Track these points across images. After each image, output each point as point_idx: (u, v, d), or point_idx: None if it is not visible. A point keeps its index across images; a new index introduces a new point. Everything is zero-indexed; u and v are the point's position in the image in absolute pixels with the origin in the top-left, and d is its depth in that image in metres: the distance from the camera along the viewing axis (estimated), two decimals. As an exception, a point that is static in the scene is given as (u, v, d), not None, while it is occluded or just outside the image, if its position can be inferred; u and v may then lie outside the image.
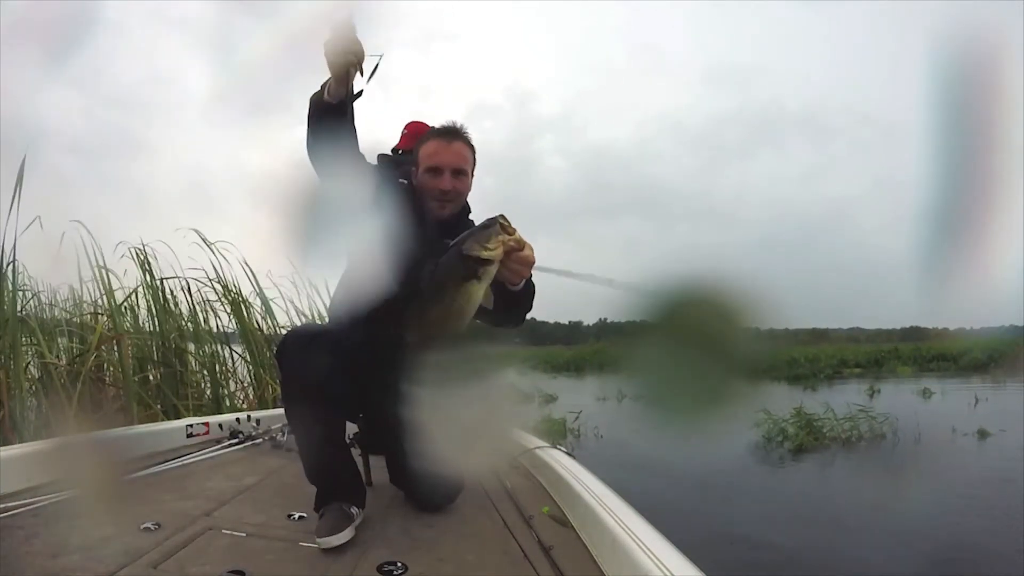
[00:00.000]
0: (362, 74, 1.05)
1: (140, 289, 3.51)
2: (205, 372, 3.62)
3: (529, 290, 1.16)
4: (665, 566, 0.80)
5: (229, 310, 3.77)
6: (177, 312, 3.67)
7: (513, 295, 1.12)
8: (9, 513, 1.14)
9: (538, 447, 1.68)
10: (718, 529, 3.09)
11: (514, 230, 1.00)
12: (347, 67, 1.03)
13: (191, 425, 2.01)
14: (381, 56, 1.08)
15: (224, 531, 1.14)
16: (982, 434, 5.59)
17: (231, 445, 1.96)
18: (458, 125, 1.31)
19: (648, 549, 0.85)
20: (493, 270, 0.99)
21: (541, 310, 1.25)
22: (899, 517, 3.22)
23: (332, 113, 1.09)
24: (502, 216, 1.00)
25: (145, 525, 1.12)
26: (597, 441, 5.76)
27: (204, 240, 3.74)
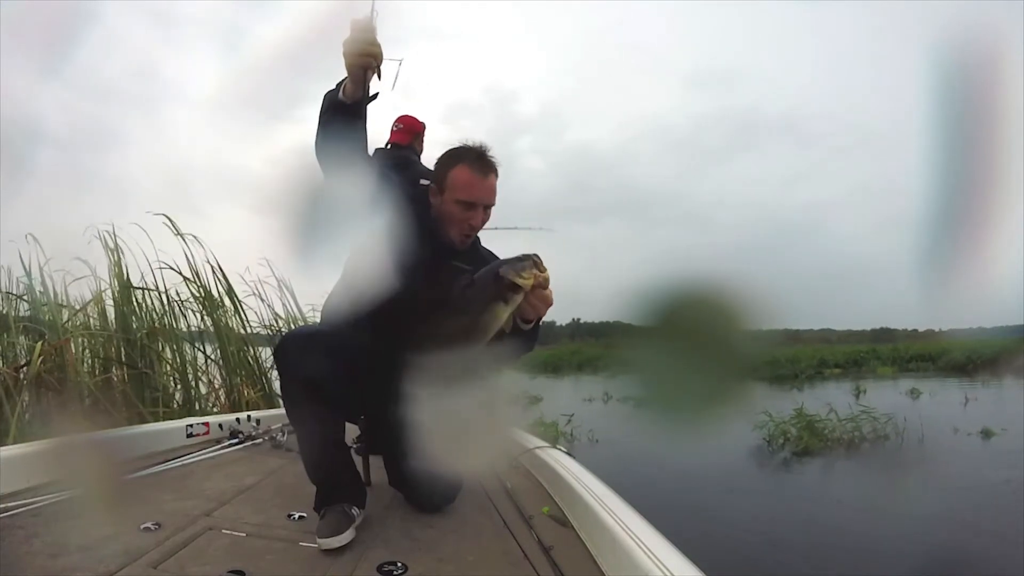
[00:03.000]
0: (379, 76, 1.05)
1: (107, 282, 3.31)
2: (176, 375, 3.37)
3: (535, 334, 1.21)
4: (665, 566, 0.80)
5: (202, 308, 3.58)
6: (147, 308, 3.42)
7: (521, 333, 1.15)
8: (9, 513, 1.14)
9: (538, 447, 1.68)
10: (720, 535, 3.06)
11: (545, 268, 1.08)
12: (365, 68, 1.02)
13: (191, 425, 2.02)
14: (401, 61, 1.07)
15: (224, 531, 1.14)
16: (986, 434, 5.53)
17: (231, 445, 1.96)
18: (489, 153, 1.24)
19: (648, 549, 0.86)
20: (519, 298, 1.06)
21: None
22: (911, 522, 3.16)
23: (346, 113, 1.08)
24: (536, 255, 1.09)
25: (145, 525, 1.12)
26: (593, 446, 5.56)
27: (174, 227, 3.51)
